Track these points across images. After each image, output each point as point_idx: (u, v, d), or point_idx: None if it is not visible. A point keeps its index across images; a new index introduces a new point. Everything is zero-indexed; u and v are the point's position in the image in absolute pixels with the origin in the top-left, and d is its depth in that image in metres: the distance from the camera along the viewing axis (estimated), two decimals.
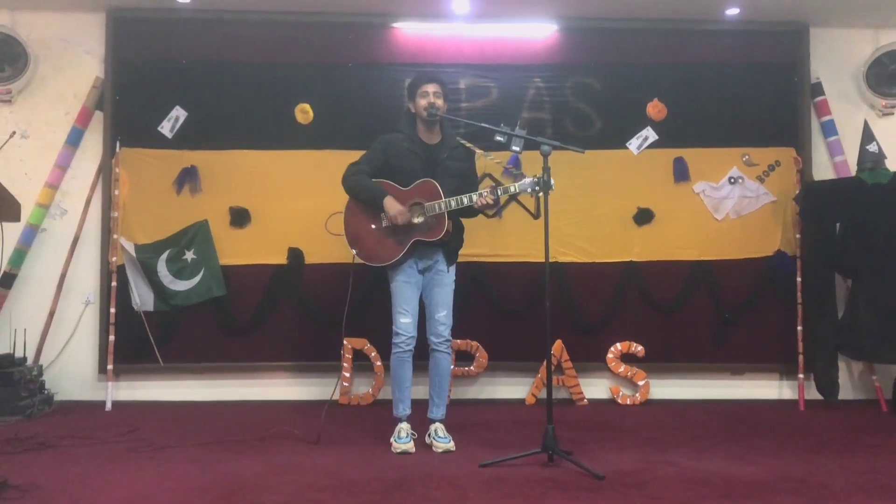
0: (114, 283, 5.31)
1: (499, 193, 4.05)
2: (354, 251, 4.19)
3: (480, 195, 4.00)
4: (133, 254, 5.32)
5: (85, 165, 5.50)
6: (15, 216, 3.51)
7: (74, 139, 5.48)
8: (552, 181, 3.86)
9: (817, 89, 5.70)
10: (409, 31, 5.62)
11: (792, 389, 5.52)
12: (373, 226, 4.17)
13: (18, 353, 5.11)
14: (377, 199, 4.11)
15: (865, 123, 5.41)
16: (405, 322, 4.12)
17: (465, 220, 4.37)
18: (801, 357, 5.40)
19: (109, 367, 5.26)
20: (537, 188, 3.92)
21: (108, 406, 5.18)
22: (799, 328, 5.42)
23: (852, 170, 5.48)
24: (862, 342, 5.15)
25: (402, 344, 4.12)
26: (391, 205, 4.08)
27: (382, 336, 5.01)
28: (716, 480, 3.48)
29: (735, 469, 3.67)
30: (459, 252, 4.33)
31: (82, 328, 5.45)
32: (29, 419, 4.80)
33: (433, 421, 4.19)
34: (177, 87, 5.51)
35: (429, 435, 4.15)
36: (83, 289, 5.45)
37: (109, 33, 5.50)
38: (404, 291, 4.15)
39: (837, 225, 5.32)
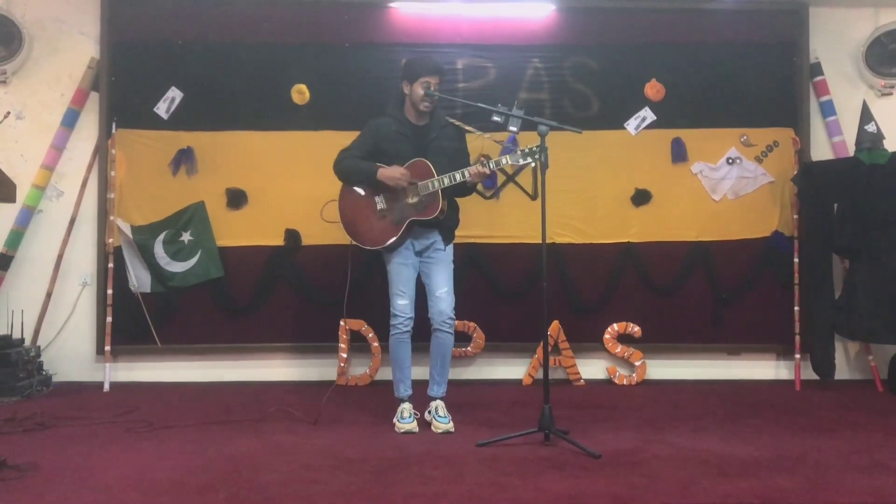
0: (111, 265, 5.31)
1: (492, 166, 4.04)
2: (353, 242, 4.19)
3: (472, 168, 3.99)
4: (130, 235, 5.31)
5: (81, 146, 5.48)
6: (10, 197, 3.51)
7: (70, 120, 5.45)
8: (546, 158, 3.85)
9: (816, 69, 5.67)
10: (406, 11, 5.58)
11: (788, 370, 5.54)
12: (368, 210, 4.16)
13: (16, 335, 5.11)
14: (371, 175, 4.10)
15: (864, 104, 5.39)
16: (402, 304, 4.12)
17: (463, 201, 4.38)
18: (797, 337, 5.42)
19: (107, 348, 5.27)
20: (529, 158, 3.91)
21: (106, 387, 5.19)
22: (796, 308, 5.43)
23: (851, 150, 5.46)
24: (858, 322, 5.15)
25: (400, 325, 4.13)
26: (387, 172, 4.06)
27: (380, 317, 5.02)
28: (712, 459, 3.50)
29: (731, 448, 3.69)
30: (456, 232, 4.33)
31: (80, 309, 5.45)
32: (27, 400, 4.82)
33: (433, 398, 4.20)
34: (173, 68, 5.48)
35: (429, 412, 4.16)
36: (80, 270, 5.45)
37: (105, 13, 5.47)
38: (401, 273, 4.15)
39: (835, 205, 5.31)
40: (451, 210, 4.24)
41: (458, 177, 4.00)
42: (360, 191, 4.19)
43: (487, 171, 4.02)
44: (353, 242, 4.23)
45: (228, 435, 3.95)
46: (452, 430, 4.04)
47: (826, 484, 3.16)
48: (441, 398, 4.21)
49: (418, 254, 4.20)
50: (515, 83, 5.58)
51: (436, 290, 4.16)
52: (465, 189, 4.20)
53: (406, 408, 4.13)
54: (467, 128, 4.39)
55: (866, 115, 5.31)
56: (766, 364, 5.62)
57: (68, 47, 5.52)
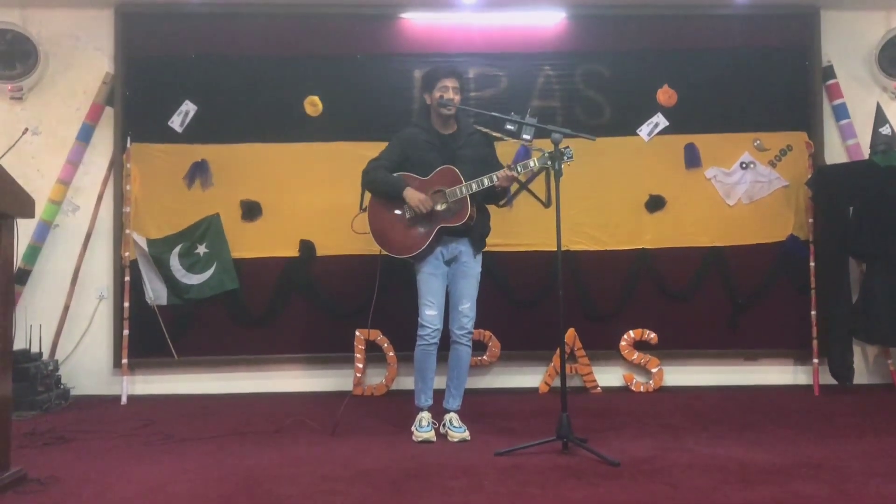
0: (127, 278, 5.34)
1: (519, 170, 4.04)
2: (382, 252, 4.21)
3: (499, 173, 3.99)
4: (145, 248, 5.34)
5: (96, 161, 5.53)
6: (29, 213, 3.52)
7: (85, 135, 5.50)
8: (570, 151, 3.85)
9: (829, 72, 5.66)
10: (418, 21, 5.60)
11: (806, 375, 5.50)
12: (397, 219, 4.16)
13: (34, 349, 5.14)
14: (398, 191, 4.11)
15: (878, 106, 5.37)
16: (431, 315, 4.12)
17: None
18: (815, 342, 5.39)
19: (124, 361, 5.30)
20: (557, 159, 3.90)
21: (124, 400, 5.22)
22: (813, 313, 5.40)
23: (865, 153, 5.44)
24: (877, 326, 5.13)
25: (427, 336, 4.12)
26: (412, 195, 4.08)
27: (396, 327, 5.05)
28: (732, 466, 3.47)
29: (751, 455, 3.66)
30: (485, 239, 4.33)
31: (97, 323, 5.48)
32: (46, 413, 4.84)
33: (448, 411, 4.20)
34: (186, 82, 5.52)
35: (443, 425, 4.16)
36: (97, 284, 5.48)
37: (118, 29, 5.51)
38: (430, 283, 4.15)
39: (850, 209, 5.30)
40: (482, 217, 4.26)
41: (485, 182, 4.00)
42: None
43: (516, 174, 4.02)
44: (383, 252, 4.22)
45: (246, 447, 3.96)
46: (468, 437, 4.04)
47: (848, 490, 3.13)
48: (456, 411, 4.21)
49: (447, 263, 4.20)
50: (527, 91, 5.59)
51: (458, 304, 4.17)
52: (495, 195, 4.20)
53: (425, 416, 4.13)
54: (495, 133, 4.39)
55: (880, 118, 5.29)
56: (783, 369, 5.59)
57: (83, 63, 5.57)
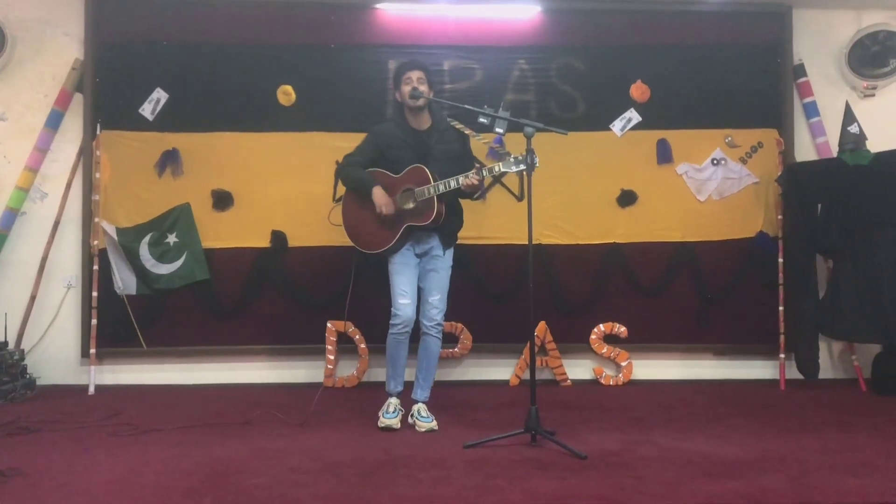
0: (96, 267, 5.28)
1: (484, 174, 4.05)
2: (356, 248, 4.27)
3: (466, 177, 4.00)
4: (115, 237, 5.28)
5: (65, 148, 5.45)
6: None
7: (54, 122, 5.42)
8: (536, 159, 3.85)
9: (800, 71, 5.71)
10: (392, 12, 5.58)
11: (773, 369, 5.57)
12: (368, 215, 4.21)
13: (0, 338, 5.07)
14: (367, 189, 4.17)
15: (847, 105, 5.43)
16: (404, 303, 4.14)
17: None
18: (782, 337, 5.45)
19: (92, 350, 5.24)
20: (522, 165, 3.92)
21: (91, 390, 5.16)
22: (780, 308, 5.46)
23: (834, 151, 5.50)
24: (842, 322, 5.19)
25: (399, 325, 4.14)
26: (378, 196, 4.14)
27: (367, 318, 5.04)
28: (698, 460, 3.51)
29: (717, 449, 3.70)
30: (455, 235, 4.36)
31: (64, 312, 5.41)
32: (11, 403, 4.78)
33: (416, 401, 4.22)
34: (158, 69, 5.45)
35: (411, 415, 4.17)
36: (65, 272, 5.41)
37: (89, 14, 5.43)
38: (403, 273, 4.19)
39: (819, 206, 5.35)
40: (453, 214, 4.28)
41: (452, 183, 4.03)
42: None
43: (477, 182, 4.03)
44: (354, 245, 4.29)
45: (214, 438, 3.93)
46: (436, 427, 4.07)
47: (811, 484, 3.18)
48: (424, 402, 4.22)
49: (419, 256, 4.25)
50: (502, 84, 5.59)
51: (429, 297, 4.21)
52: (465, 194, 4.21)
53: (393, 402, 4.18)
54: (467, 130, 4.39)
55: (849, 117, 5.35)
56: (751, 364, 5.65)
57: (52, 48, 5.49)
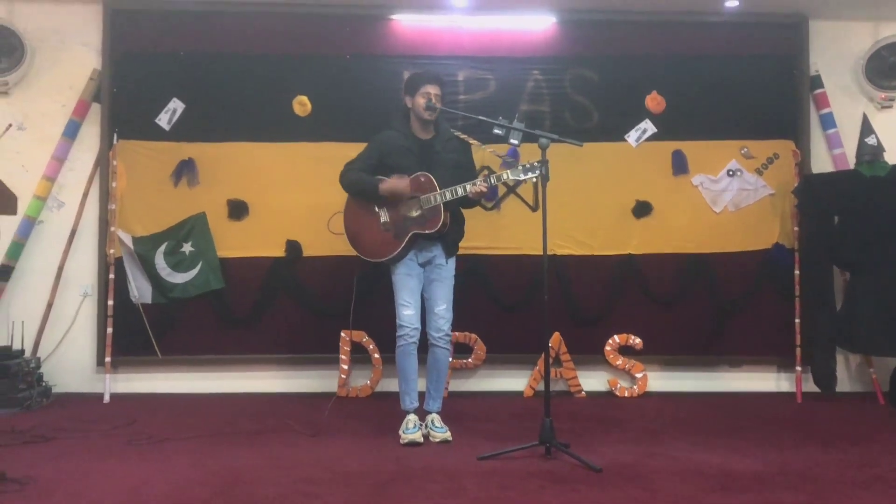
0: (111, 276, 5.30)
1: (492, 182, 4.05)
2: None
3: (474, 184, 4.00)
4: (131, 246, 5.31)
5: (82, 158, 5.49)
6: (12, 209, 3.52)
7: (71, 131, 5.46)
8: (545, 170, 3.85)
9: (816, 82, 5.68)
10: (407, 23, 5.59)
11: (789, 382, 5.53)
12: (372, 223, 4.19)
13: (16, 346, 5.10)
14: (373, 189, 4.14)
15: (864, 116, 5.40)
16: (408, 314, 4.13)
17: (464, 213, 4.37)
18: (798, 350, 5.41)
19: (107, 359, 5.26)
20: (530, 173, 3.92)
21: (107, 398, 5.18)
22: (797, 321, 5.42)
23: (851, 162, 5.47)
24: (859, 335, 5.15)
25: (406, 336, 4.13)
26: (388, 185, 4.11)
27: (381, 328, 5.03)
28: (713, 473, 3.49)
29: (733, 462, 3.68)
30: (458, 243, 4.34)
31: (80, 321, 5.44)
32: (27, 411, 4.80)
33: (429, 412, 4.21)
34: (174, 79, 5.49)
35: (425, 426, 4.16)
36: (81, 281, 5.44)
37: (107, 25, 5.47)
38: (406, 284, 4.17)
39: (836, 217, 5.32)
40: (456, 223, 4.26)
41: (459, 191, 4.02)
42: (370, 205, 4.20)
43: (485, 189, 4.03)
44: (357, 254, 4.25)
45: (228, 447, 3.94)
46: (450, 438, 4.06)
47: (828, 498, 3.15)
48: (437, 412, 4.22)
49: (421, 265, 4.22)
50: (516, 95, 5.59)
51: (435, 307, 4.19)
52: (469, 202, 4.20)
53: (411, 419, 4.12)
54: (471, 140, 4.39)
55: (866, 128, 5.32)
56: (767, 376, 5.61)
57: (70, 59, 5.53)
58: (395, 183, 4.11)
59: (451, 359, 4.65)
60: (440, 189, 4.05)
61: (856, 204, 5.17)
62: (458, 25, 5.61)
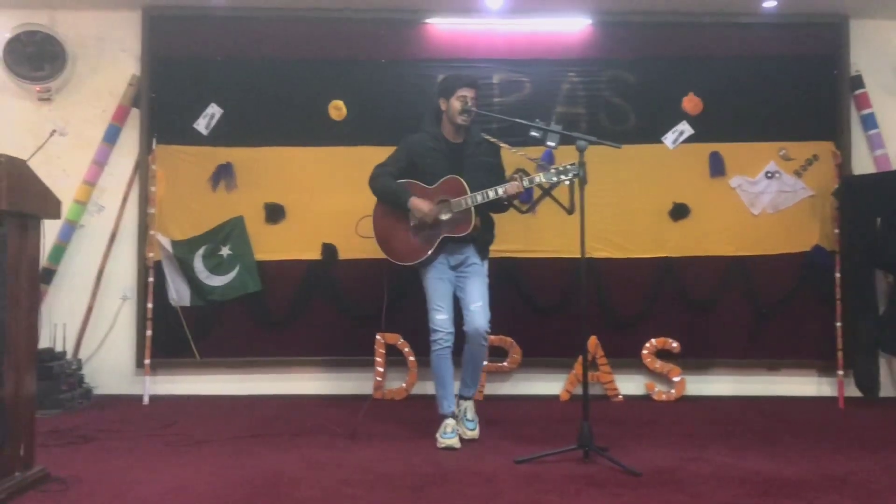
0: (151, 279, 5.37)
1: (525, 184, 4.03)
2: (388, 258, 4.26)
3: (504, 188, 3.99)
4: (170, 250, 5.38)
5: (122, 162, 5.57)
6: (55, 214, 3.55)
7: (111, 136, 5.54)
8: (582, 173, 3.84)
9: (857, 82, 5.59)
10: (442, 27, 5.61)
11: (831, 386, 5.44)
12: (401, 226, 4.19)
13: (58, 348, 5.20)
14: (402, 200, 4.13)
15: None
16: (441, 318, 4.12)
17: (499, 216, 4.37)
18: (840, 353, 5.32)
19: (147, 361, 5.33)
20: (563, 176, 3.91)
21: (146, 400, 5.25)
22: (838, 324, 5.34)
23: (893, 163, 5.39)
24: None
25: (440, 340, 4.11)
26: (418, 204, 4.09)
27: (416, 331, 5.04)
28: (754, 479, 3.44)
29: (774, 467, 3.62)
30: (492, 246, 4.34)
31: (120, 323, 5.52)
32: (69, 412, 4.88)
33: (464, 398, 4.24)
34: (212, 85, 5.55)
35: (458, 418, 4.17)
36: (121, 284, 5.52)
37: (145, 31, 5.56)
38: (438, 288, 4.15)
39: (878, 220, 5.23)
40: (486, 226, 4.25)
41: (490, 194, 4.00)
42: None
43: (522, 189, 4.02)
44: (387, 258, 4.25)
45: (266, 449, 3.96)
46: (477, 436, 4.11)
47: None
48: (471, 398, 4.25)
49: (453, 268, 4.20)
50: (552, 97, 5.57)
51: (470, 304, 4.13)
52: (500, 206, 4.18)
53: (449, 423, 4.09)
54: (501, 144, 4.39)
55: None
56: (807, 380, 5.53)
57: (110, 65, 5.61)
58: (419, 204, 4.08)
59: (485, 362, 4.64)
60: (471, 192, 4.04)
61: None
62: (493, 29, 5.61)
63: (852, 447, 4.05)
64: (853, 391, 5.28)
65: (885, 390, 5.36)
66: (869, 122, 5.59)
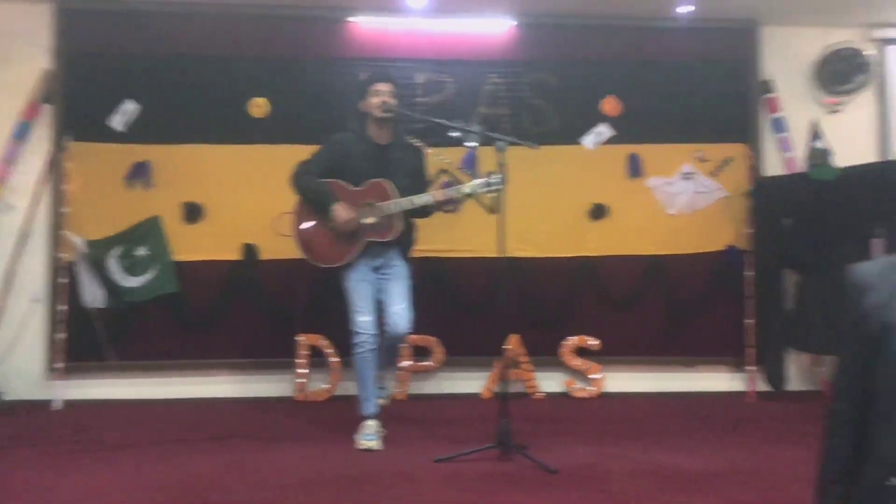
0: (64, 280, 5.21)
1: (453, 194, 4.05)
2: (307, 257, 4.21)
3: (432, 194, 4.00)
4: (84, 249, 5.22)
5: (33, 160, 5.36)
6: None
7: (21, 133, 5.34)
8: (500, 177, 3.88)
9: (768, 86, 5.79)
10: (365, 26, 5.58)
11: (742, 381, 5.62)
12: (323, 227, 4.14)
13: None
14: (326, 202, 4.08)
15: (814, 121, 5.51)
16: (364, 320, 4.08)
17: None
18: (750, 350, 5.50)
19: (59, 365, 5.16)
20: (490, 186, 3.94)
21: (59, 405, 5.08)
22: (749, 322, 5.51)
23: (802, 166, 5.58)
24: (810, 335, 5.25)
25: (363, 343, 4.07)
26: (340, 212, 4.04)
27: (339, 332, 5.00)
28: (670, 473, 3.54)
29: (688, 461, 3.73)
30: (414, 247, 4.34)
31: (31, 326, 5.32)
32: None
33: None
34: (128, 80, 5.39)
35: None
36: (31, 286, 5.32)
37: (58, 24, 5.36)
38: (360, 290, 4.12)
39: (787, 220, 5.42)
40: (409, 229, 4.25)
41: (416, 201, 4.01)
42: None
43: (450, 197, 4.03)
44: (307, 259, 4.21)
45: (185, 454, 3.89)
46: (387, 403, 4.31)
47: (782, 497, 3.22)
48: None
49: (375, 270, 4.18)
50: (474, 98, 5.59)
51: (392, 306, 4.12)
52: (423, 211, 4.19)
53: (371, 425, 4.07)
54: (427, 148, 4.40)
55: (815, 132, 5.43)
56: (720, 376, 5.69)
57: (20, 59, 5.39)
58: (340, 213, 4.03)
59: (411, 361, 4.65)
60: (398, 196, 4.02)
61: (806, 207, 5.27)
62: (417, 28, 5.60)
63: (761, 440, 4.21)
64: (763, 385, 5.46)
65: (793, 384, 5.57)
66: (779, 126, 5.79)
